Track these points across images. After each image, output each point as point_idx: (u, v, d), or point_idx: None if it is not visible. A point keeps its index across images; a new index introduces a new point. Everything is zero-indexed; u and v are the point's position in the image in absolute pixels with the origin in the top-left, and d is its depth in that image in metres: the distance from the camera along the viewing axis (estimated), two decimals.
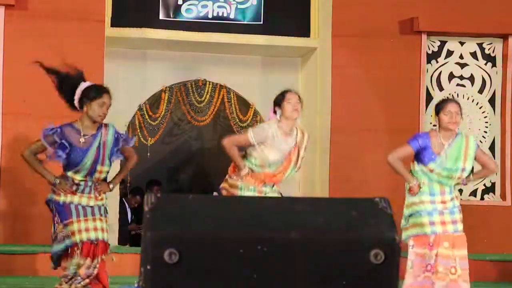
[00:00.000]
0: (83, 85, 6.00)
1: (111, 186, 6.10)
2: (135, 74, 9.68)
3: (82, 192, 5.97)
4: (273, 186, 6.41)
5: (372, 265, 2.92)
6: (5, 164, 8.60)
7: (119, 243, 9.40)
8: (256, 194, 6.30)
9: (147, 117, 10.32)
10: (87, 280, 5.92)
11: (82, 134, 5.94)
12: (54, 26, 8.72)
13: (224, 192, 6.48)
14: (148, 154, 10.54)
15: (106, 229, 6.05)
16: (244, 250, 2.87)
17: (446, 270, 6.13)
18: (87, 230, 5.92)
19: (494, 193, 9.64)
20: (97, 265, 5.96)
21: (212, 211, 2.99)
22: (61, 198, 5.95)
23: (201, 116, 10.64)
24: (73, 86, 6.00)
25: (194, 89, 10.39)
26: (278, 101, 6.39)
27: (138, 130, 10.37)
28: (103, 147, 5.96)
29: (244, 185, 6.35)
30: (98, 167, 5.95)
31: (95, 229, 5.95)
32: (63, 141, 5.90)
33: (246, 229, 2.93)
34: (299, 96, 6.43)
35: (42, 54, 8.65)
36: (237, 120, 10.36)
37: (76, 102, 5.98)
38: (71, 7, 8.79)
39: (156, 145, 10.81)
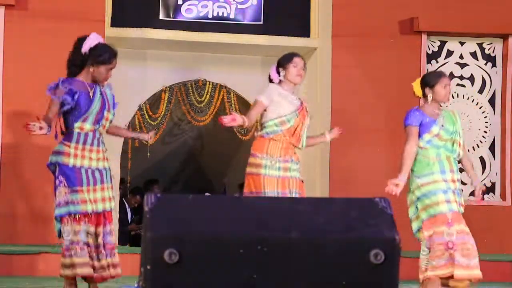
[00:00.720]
0: (92, 40, 5.95)
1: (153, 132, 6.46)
2: (135, 74, 9.68)
3: (91, 144, 5.89)
4: (297, 163, 6.38)
5: (372, 265, 2.92)
6: (5, 164, 8.60)
7: (119, 243, 9.40)
8: (281, 173, 6.29)
9: (147, 117, 10.33)
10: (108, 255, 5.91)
11: (87, 84, 5.93)
12: (54, 26, 8.71)
13: (249, 179, 6.38)
14: (148, 154, 10.55)
15: (113, 197, 6.04)
16: (244, 250, 2.87)
17: (463, 245, 6.17)
18: (95, 201, 5.88)
19: (494, 193, 9.64)
20: (112, 232, 5.98)
21: (212, 211, 2.99)
22: (71, 161, 5.85)
23: (201, 116, 10.65)
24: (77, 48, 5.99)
25: (194, 89, 10.40)
26: (284, 63, 6.43)
27: (138, 130, 10.38)
28: (105, 95, 5.98)
29: (267, 162, 6.32)
30: (105, 113, 5.93)
31: (103, 199, 5.93)
32: (71, 87, 5.85)
33: (246, 229, 2.92)
34: (304, 63, 6.45)
35: (42, 54, 8.69)
36: None
37: (84, 54, 5.92)
38: (71, 7, 8.79)
39: (156, 145, 10.82)
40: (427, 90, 6.32)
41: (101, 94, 5.97)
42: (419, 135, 6.32)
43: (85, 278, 5.94)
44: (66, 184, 5.86)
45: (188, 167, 14.30)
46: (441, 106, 6.38)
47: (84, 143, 5.90)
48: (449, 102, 6.45)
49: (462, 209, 6.35)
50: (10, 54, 8.67)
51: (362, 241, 2.93)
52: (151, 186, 11.60)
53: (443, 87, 6.31)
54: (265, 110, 6.40)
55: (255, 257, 2.88)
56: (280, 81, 6.43)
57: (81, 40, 6.01)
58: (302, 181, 6.46)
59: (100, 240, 5.92)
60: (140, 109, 10.10)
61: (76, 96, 5.86)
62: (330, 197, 8.14)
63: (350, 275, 2.92)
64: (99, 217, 5.95)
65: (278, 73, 6.43)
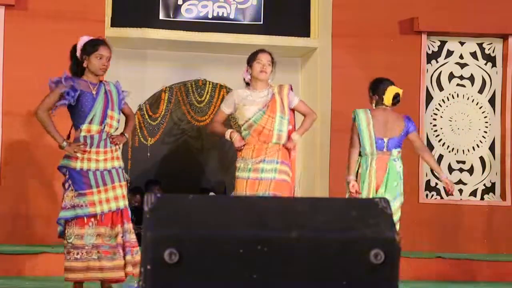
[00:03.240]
0: (81, 40, 6.09)
1: (126, 135, 6.13)
2: (135, 74, 9.68)
3: (98, 146, 5.92)
4: (276, 162, 6.34)
5: (372, 265, 2.91)
6: (5, 164, 8.60)
7: None
8: (251, 175, 6.30)
9: (147, 117, 10.33)
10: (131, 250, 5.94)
11: (89, 83, 5.99)
12: (54, 26, 8.71)
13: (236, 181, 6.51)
14: (148, 154, 10.56)
15: (127, 195, 6.05)
16: (244, 250, 2.87)
17: None
18: (107, 201, 5.90)
19: (494, 193, 9.64)
20: (132, 230, 5.99)
21: (212, 211, 2.99)
22: (78, 164, 5.90)
23: (201, 116, 10.64)
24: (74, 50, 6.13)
25: (194, 89, 10.40)
26: (249, 61, 6.50)
27: (138, 130, 10.38)
28: (110, 94, 6.02)
29: (241, 165, 6.38)
30: (109, 112, 5.96)
31: (116, 198, 5.94)
32: (74, 84, 5.93)
33: (246, 229, 2.92)
34: (272, 58, 6.45)
35: (42, 54, 8.69)
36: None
37: (79, 56, 6.06)
38: (71, 7, 8.79)
39: (156, 145, 10.82)
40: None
41: (105, 92, 5.99)
42: None
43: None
44: (73, 188, 5.90)
45: (188, 167, 14.29)
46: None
47: (91, 145, 5.92)
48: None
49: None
50: (10, 54, 8.66)
51: (362, 241, 2.93)
52: (152, 187, 11.58)
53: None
54: (227, 113, 6.57)
55: (255, 257, 2.87)
56: (250, 80, 6.48)
57: (74, 47, 6.12)
58: (285, 181, 6.36)
59: (119, 239, 5.92)
60: (140, 109, 10.10)
61: (76, 94, 5.91)
62: (330, 197, 8.14)
63: (350, 275, 2.92)
64: (116, 217, 5.96)
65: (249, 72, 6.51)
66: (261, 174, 6.27)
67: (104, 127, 5.94)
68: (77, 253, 5.86)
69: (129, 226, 6.01)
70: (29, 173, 8.56)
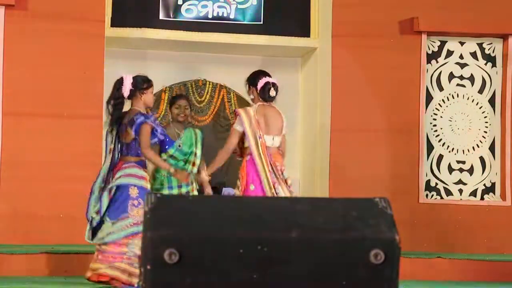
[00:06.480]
0: (128, 79, 6.65)
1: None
2: (135, 74, 9.67)
3: None
4: None
5: (372, 265, 2.91)
6: (5, 164, 8.60)
7: None
8: None
9: None
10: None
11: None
12: (54, 26, 8.72)
13: None
14: None
15: None
16: (244, 250, 2.87)
17: None
18: None
19: (494, 193, 9.63)
20: None
21: (212, 211, 2.99)
22: (149, 185, 6.57)
23: (201, 116, 10.65)
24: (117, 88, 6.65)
25: (194, 89, 10.39)
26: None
27: None
28: None
29: None
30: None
31: None
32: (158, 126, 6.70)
33: (246, 229, 2.92)
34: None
35: (42, 54, 8.69)
36: None
37: (126, 94, 6.59)
38: (71, 7, 8.79)
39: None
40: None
41: None
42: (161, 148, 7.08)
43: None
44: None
45: None
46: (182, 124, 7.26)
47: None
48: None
49: None
50: (10, 54, 8.66)
51: (362, 241, 2.93)
52: None
53: (176, 108, 7.27)
54: None
55: (255, 257, 2.87)
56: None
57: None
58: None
59: None
60: None
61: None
62: (330, 197, 8.15)
63: (350, 275, 2.92)
64: None
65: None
66: None
67: None
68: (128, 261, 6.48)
69: None
70: (29, 173, 8.56)
